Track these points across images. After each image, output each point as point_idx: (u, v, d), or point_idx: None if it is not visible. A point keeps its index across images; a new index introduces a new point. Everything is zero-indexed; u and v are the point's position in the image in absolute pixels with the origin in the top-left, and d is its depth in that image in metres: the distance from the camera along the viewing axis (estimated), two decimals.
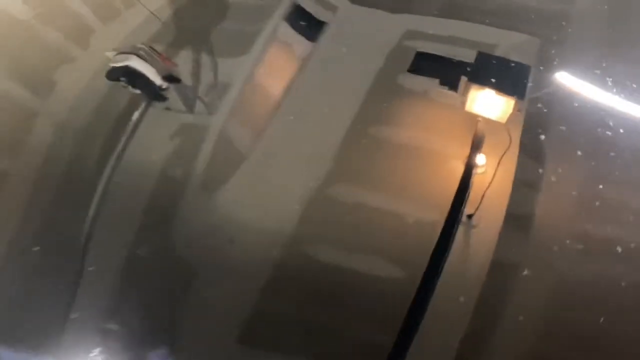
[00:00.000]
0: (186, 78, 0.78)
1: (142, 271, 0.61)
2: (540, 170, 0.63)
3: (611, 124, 0.65)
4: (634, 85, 0.68)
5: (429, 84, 0.73)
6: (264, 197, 0.64)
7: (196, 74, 0.79)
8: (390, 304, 0.56)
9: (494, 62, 0.74)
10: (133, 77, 0.76)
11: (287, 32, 0.81)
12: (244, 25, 0.85)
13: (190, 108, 0.76)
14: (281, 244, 0.60)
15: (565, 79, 0.71)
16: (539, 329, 0.54)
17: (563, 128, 0.66)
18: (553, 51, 0.74)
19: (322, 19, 0.81)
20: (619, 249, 0.56)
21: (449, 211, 0.59)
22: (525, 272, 0.56)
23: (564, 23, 0.79)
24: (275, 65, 0.78)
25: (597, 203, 0.60)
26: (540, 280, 0.56)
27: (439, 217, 0.59)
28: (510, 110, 0.70)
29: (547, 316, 0.55)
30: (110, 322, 0.58)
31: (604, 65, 0.71)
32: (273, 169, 0.66)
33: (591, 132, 0.65)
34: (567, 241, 0.58)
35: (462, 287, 0.55)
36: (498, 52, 0.76)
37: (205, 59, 0.81)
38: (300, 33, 0.81)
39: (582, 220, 0.59)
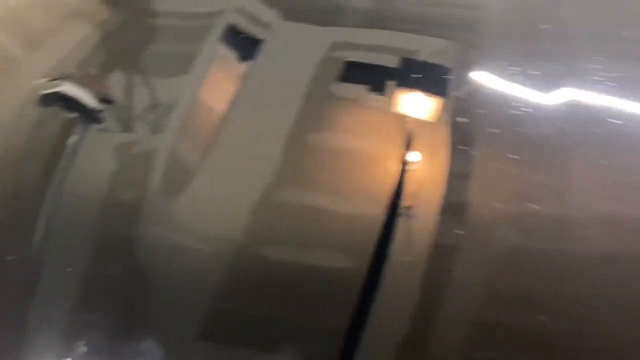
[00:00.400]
0: (123, 100, 0.79)
1: (101, 287, 0.62)
2: (470, 156, 0.67)
3: (522, 106, 0.71)
4: (537, 73, 0.75)
5: (360, 91, 0.77)
6: (217, 207, 0.66)
7: (133, 96, 0.79)
8: (342, 291, 0.58)
9: (418, 66, 0.79)
10: (67, 102, 0.76)
11: (225, 51, 0.83)
12: (178, 46, 0.86)
13: (131, 129, 0.77)
14: (237, 248, 0.62)
15: (484, 76, 0.77)
16: (484, 297, 0.58)
17: (484, 112, 0.71)
18: (471, 52, 0.80)
19: (256, 36, 0.84)
20: (543, 211, 0.62)
21: (389, 204, 0.63)
22: (465, 248, 0.60)
23: (479, 27, 0.85)
24: (216, 84, 0.80)
25: (518, 171, 0.65)
26: (480, 253, 0.60)
27: (381, 211, 0.62)
28: (437, 109, 0.74)
29: (490, 284, 0.59)
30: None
31: (516, 60, 0.76)
32: (224, 180, 0.68)
33: (508, 114, 0.70)
34: (501, 211, 0.62)
35: (407, 268, 0.58)
36: (421, 57, 0.81)
37: (141, 80, 0.81)
38: (236, 51, 0.83)
39: (512, 190, 0.64)
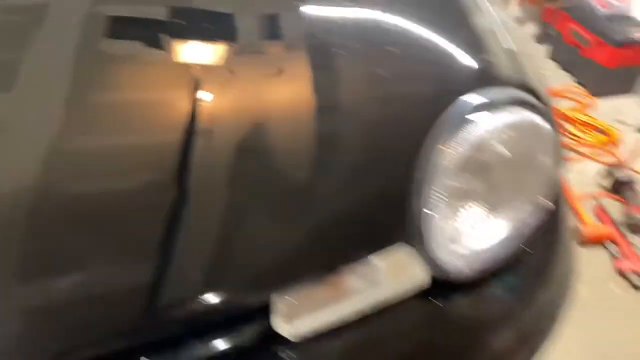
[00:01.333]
0: None
1: None
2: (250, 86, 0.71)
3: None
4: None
5: (135, 47, 0.73)
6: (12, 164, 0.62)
7: None
8: (154, 204, 0.60)
9: (191, 15, 0.77)
10: None
11: None
12: None
13: None
14: (40, 192, 0.60)
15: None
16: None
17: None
18: None
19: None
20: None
21: (185, 131, 0.64)
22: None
23: None
24: None
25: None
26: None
27: (179, 134, 0.64)
28: (220, 52, 0.74)
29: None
30: None
31: None
32: (12, 143, 0.63)
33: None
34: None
35: (210, 173, 0.63)
36: (190, 5, 0.79)
37: None
38: None
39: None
